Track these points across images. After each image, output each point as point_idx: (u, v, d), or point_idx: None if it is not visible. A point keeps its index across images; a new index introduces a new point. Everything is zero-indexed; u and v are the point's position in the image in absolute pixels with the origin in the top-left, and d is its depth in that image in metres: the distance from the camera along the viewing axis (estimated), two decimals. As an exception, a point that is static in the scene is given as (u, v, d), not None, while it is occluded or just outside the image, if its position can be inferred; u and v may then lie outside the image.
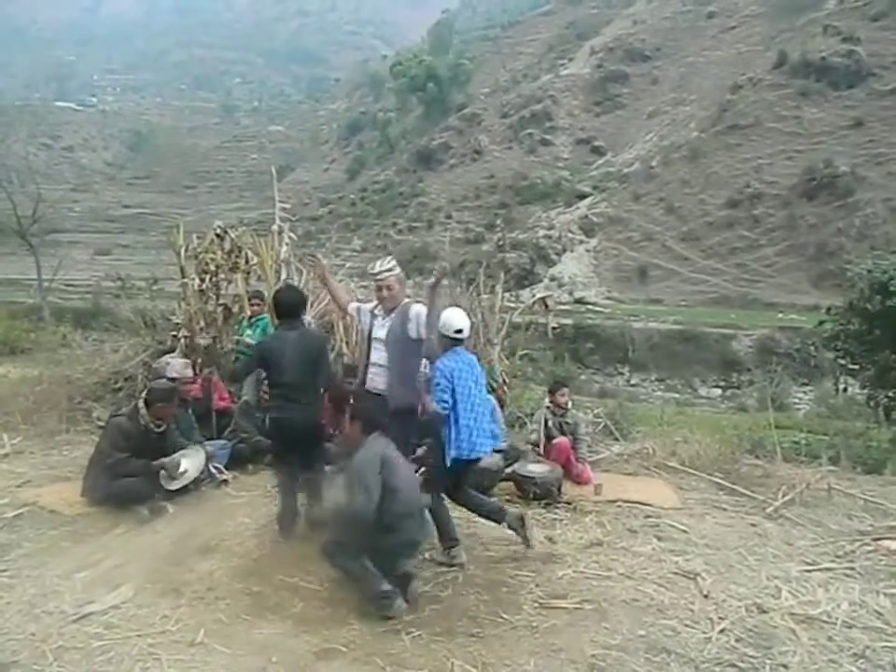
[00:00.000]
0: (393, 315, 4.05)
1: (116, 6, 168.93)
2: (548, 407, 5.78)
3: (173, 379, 5.15)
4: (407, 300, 4.18)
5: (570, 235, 48.15)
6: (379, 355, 4.07)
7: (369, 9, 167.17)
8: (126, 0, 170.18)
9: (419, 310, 3.97)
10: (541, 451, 5.58)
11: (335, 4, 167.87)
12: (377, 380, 4.08)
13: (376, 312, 4.17)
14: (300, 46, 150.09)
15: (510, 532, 4.02)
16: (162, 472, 4.43)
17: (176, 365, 5.47)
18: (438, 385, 3.80)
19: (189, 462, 4.57)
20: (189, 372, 5.57)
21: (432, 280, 4.02)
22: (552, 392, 5.84)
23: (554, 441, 5.50)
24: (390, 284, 4.03)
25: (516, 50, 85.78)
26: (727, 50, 62.32)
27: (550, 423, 5.67)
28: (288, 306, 4.26)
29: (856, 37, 49.45)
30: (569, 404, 5.82)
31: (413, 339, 3.97)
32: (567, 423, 5.68)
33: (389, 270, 4.04)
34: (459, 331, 3.92)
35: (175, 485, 4.46)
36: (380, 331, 4.09)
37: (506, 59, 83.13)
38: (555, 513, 4.77)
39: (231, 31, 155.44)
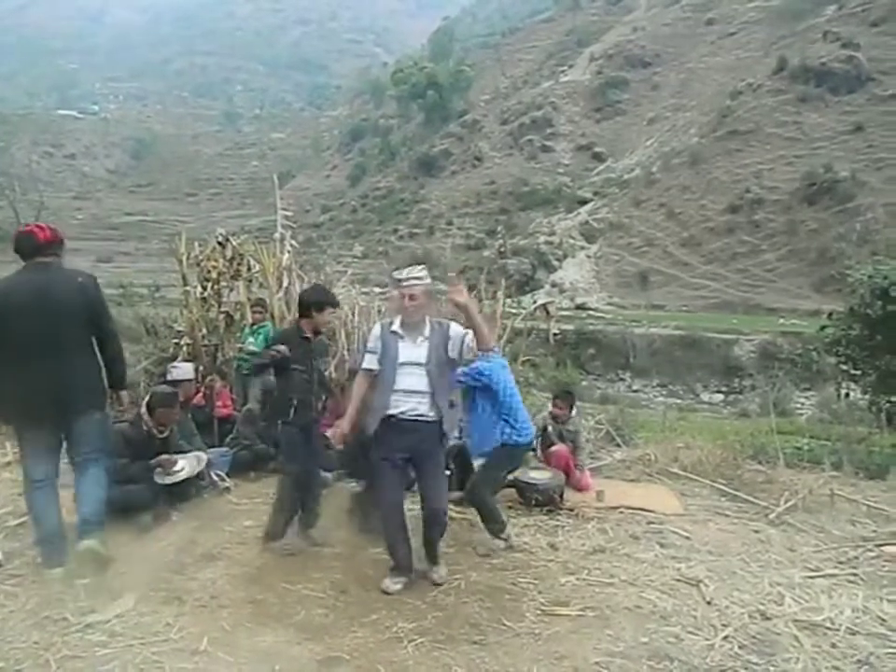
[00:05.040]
0: (427, 335, 3.67)
1: (118, 15, 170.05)
2: (549, 413, 5.71)
3: (179, 382, 5.23)
4: (436, 318, 3.85)
5: (571, 241, 48.26)
6: (414, 380, 3.62)
7: (369, 17, 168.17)
8: (129, 9, 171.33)
9: (460, 330, 3.66)
10: (540, 456, 5.58)
11: (336, 12, 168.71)
12: (420, 408, 3.62)
13: (399, 331, 3.67)
14: (301, 54, 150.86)
15: (496, 542, 4.20)
16: (158, 469, 4.45)
17: (184, 367, 5.63)
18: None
19: (186, 461, 4.60)
20: (192, 374, 5.76)
21: (456, 297, 3.51)
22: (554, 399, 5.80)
23: (553, 449, 5.46)
24: (415, 294, 3.58)
25: (516, 57, 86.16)
26: (727, 56, 62.54)
27: (550, 429, 5.62)
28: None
29: (855, 43, 49.66)
30: (574, 412, 5.73)
31: (451, 359, 3.71)
32: (568, 430, 5.62)
33: (418, 279, 3.60)
34: None
35: (167, 480, 4.48)
36: (413, 354, 3.65)
37: (506, 66, 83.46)
38: (557, 520, 4.76)
39: (232, 39, 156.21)
